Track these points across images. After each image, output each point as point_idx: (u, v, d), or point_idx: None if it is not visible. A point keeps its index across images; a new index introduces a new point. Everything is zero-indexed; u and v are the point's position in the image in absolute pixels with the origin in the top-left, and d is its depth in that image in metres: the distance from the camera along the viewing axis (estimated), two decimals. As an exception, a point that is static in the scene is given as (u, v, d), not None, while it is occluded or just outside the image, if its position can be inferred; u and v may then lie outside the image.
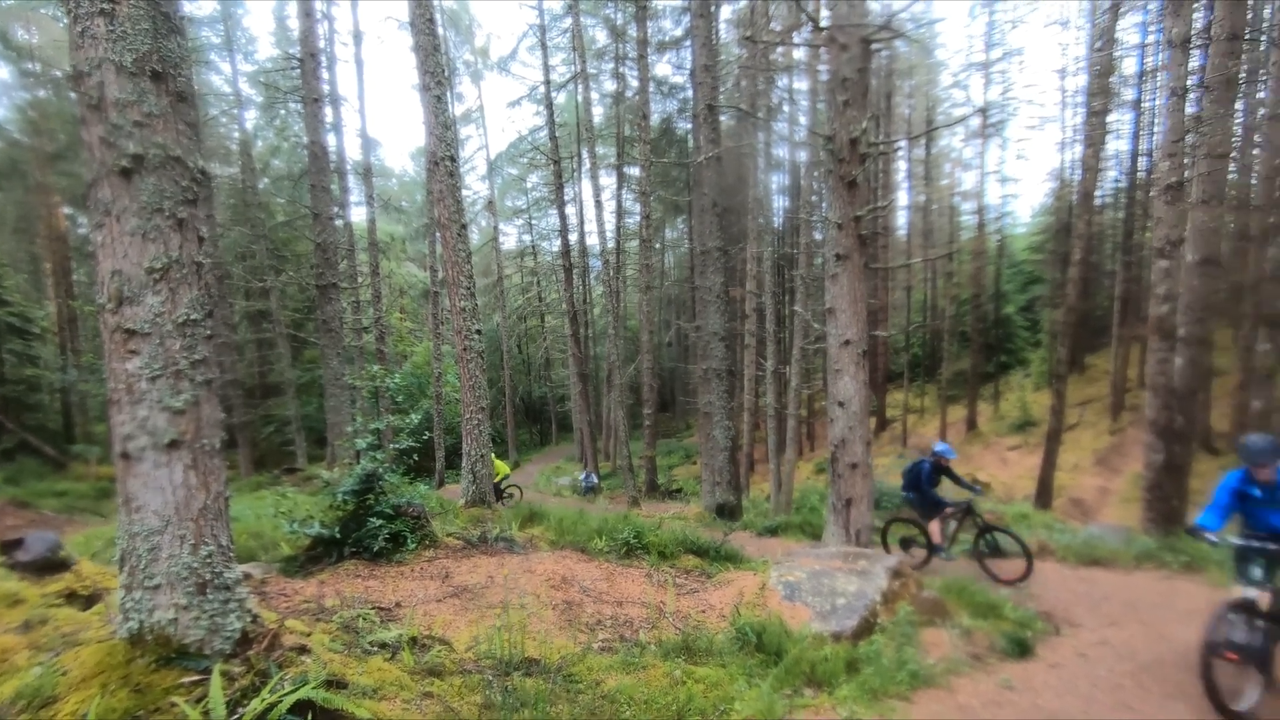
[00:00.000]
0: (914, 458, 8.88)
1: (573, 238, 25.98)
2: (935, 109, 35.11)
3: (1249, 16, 13.52)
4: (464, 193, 37.06)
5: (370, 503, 5.79)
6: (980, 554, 7.15)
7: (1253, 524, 4.22)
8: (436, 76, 8.94)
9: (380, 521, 5.61)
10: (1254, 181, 17.19)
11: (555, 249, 35.37)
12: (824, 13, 7.09)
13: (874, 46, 7.22)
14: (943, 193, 38.86)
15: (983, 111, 29.53)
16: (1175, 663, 4.48)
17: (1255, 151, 17.14)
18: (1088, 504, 18.29)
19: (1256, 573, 3.97)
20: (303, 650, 3.00)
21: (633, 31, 23.14)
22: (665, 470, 28.56)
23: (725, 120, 23.12)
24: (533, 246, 40.58)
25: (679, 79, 28.96)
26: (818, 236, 19.61)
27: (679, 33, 26.67)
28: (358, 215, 26.81)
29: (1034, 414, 25.16)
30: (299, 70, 15.62)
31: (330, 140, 18.28)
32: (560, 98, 31.58)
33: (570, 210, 27.83)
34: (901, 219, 40.50)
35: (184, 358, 2.65)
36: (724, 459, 14.01)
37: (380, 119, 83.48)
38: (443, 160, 8.82)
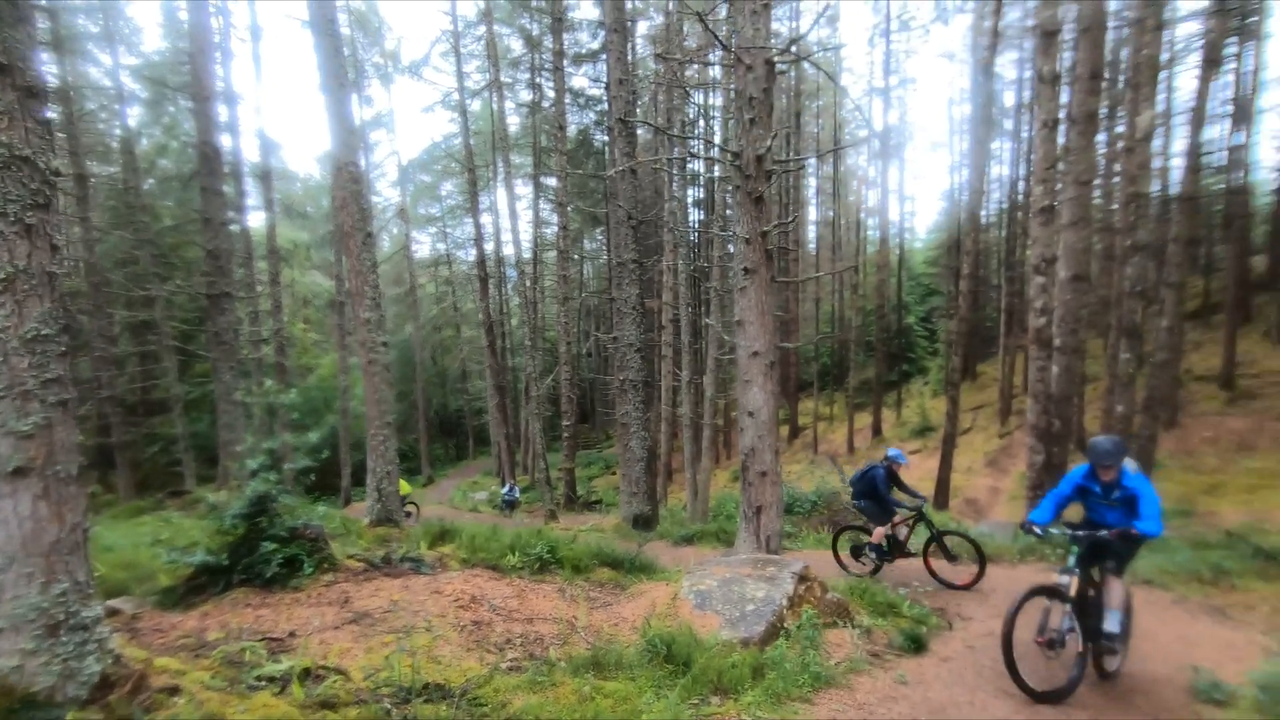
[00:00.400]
0: (860, 466, 8.75)
1: (489, 247, 25.59)
2: (842, 129, 36.89)
3: (1108, 59, 14.93)
4: (374, 199, 35.94)
5: (263, 526, 5.43)
6: (930, 558, 7.31)
7: (1091, 517, 4.57)
8: (339, 78, 8.60)
9: (273, 545, 5.27)
10: (1114, 207, 18.99)
11: (471, 258, 34.67)
12: (733, 34, 7.31)
13: (778, 68, 7.50)
14: (850, 209, 40.82)
15: (883, 134, 31.26)
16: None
17: (1115, 180, 18.94)
18: (980, 503, 19.52)
19: (1070, 560, 4.31)
20: (174, 691, 2.78)
21: (549, 43, 23.12)
22: (585, 482, 28.43)
23: (642, 134, 23.45)
24: (447, 255, 39.65)
25: (596, 91, 29.17)
26: (731, 250, 20.14)
27: (595, 46, 26.87)
28: (257, 220, 25.40)
29: (932, 419, 26.67)
30: (189, 65, 14.67)
31: (225, 140, 17.25)
32: (475, 105, 31.14)
33: (486, 219, 27.42)
34: (812, 233, 42.26)
35: (32, 377, 2.41)
36: (641, 469, 14.08)
37: (283, 119, 79.56)
38: (346, 165, 8.48)
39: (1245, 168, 23.59)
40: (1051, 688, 4.09)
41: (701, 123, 24.12)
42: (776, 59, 7.23)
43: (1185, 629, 5.66)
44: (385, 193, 39.28)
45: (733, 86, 7.90)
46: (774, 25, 24.88)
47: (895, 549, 7.50)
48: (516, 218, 25.31)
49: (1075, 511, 4.75)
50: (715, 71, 21.79)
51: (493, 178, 27.96)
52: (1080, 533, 4.37)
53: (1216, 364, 20.36)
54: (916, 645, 4.94)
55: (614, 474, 28.19)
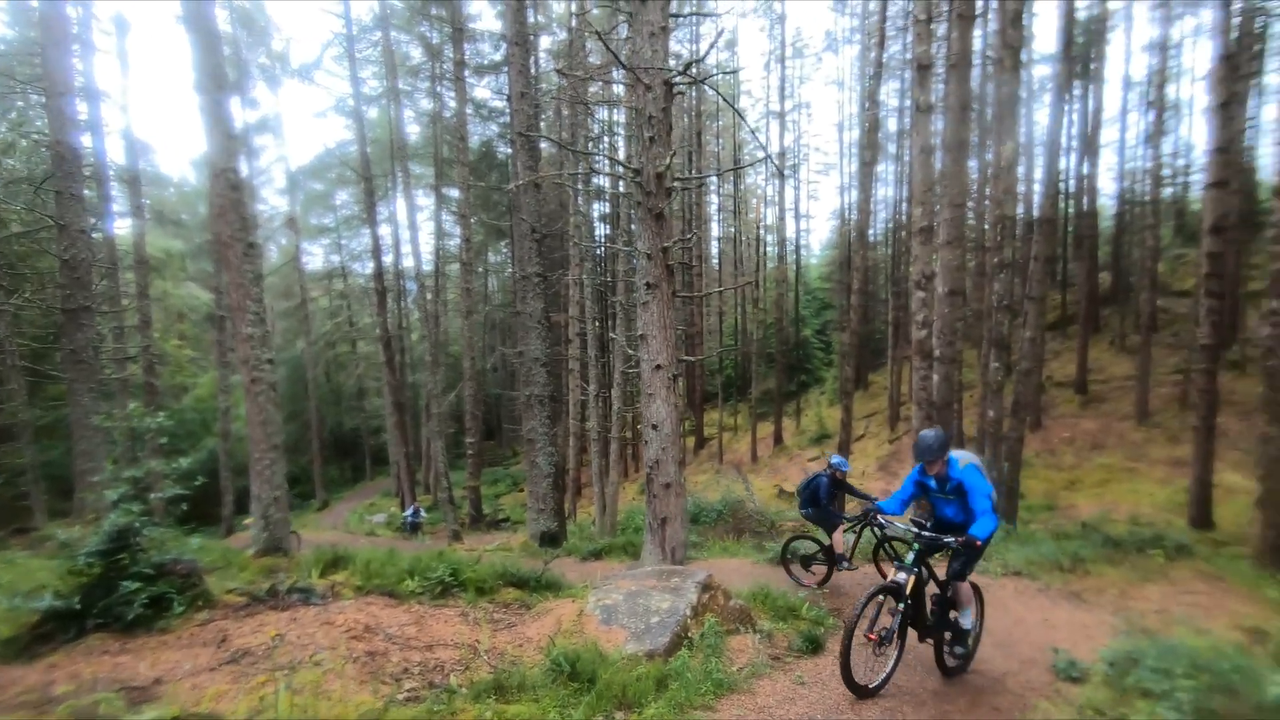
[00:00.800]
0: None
1: (387, 259, 24.67)
2: (741, 149, 38.30)
3: (975, 93, 16.31)
4: (260, 207, 33.91)
5: (124, 563, 4.92)
6: (880, 562, 7.43)
7: (935, 513, 4.73)
8: (218, 78, 8.06)
9: (136, 584, 4.78)
10: (985, 227, 20.73)
11: (368, 271, 33.22)
12: (634, 54, 7.45)
13: (677, 88, 7.70)
14: (750, 226, 42.35)
15: (779, 155, 32.70)
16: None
17: (985, 202, 20.69)
18: (873, 505, 20.57)
19: (909, 557, 4.33)
20: (10, 756, 2.46)
21: (449, 52, 22.68)
22: (491, 500, 27.76)
23: (546, 148, 23.38)
24: (342, 268, 37.81)
25: (499, 103, 28.85)
26: (636, 264, 20.39)
27: (498, 58, 26.60)
28: (124, 228, 23.26)
29: (829, 427, 27.94)
30: (40, 57, 13.30)
31: (86, 140, 15.75)
32: (372, 112, 30.05)
33: (384, 230, 26.47)
34: (715, 249, 43.48)
35: None
36: (548, 485, 13.91)
37: (156, 120, 73.65)
38: (225, 171, 7.94)
39: (1092, 194, 26.43)
40: (876, 683, 4.22)
41: (605, 139, 24.36)
42: (675, 80, 7.42)
43: (1048, 614, 6.18)
44: (273, 201, 37.07)
45: (633, 105, 8.04)
46: (674, 47, 25.58)
47: (832, 559, 7.38)
48: (417, 229, 24.54)
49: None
50: (618, 89, 22.11)
51: (391, 188, 27.00)
52: (925, 534, 4.38)
53: (1072, 371, 22.54)
54: (814, 646, 5.13)
55: (521, 491, 27.68)
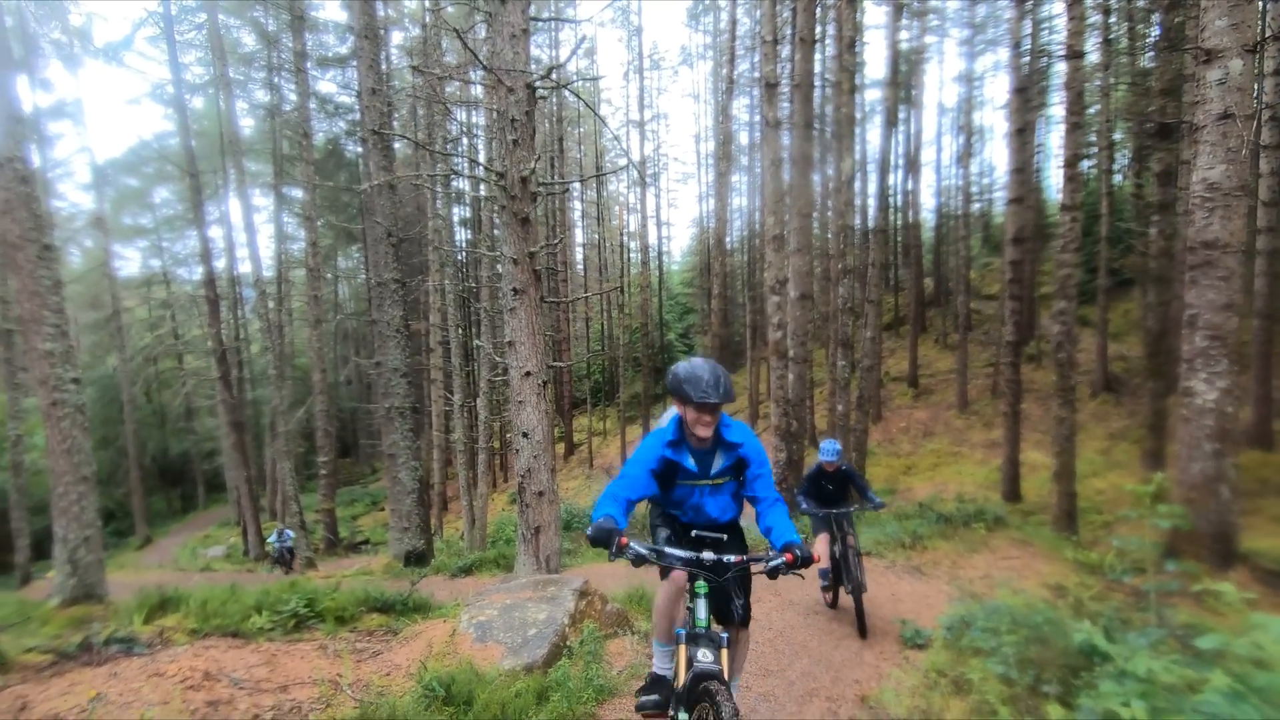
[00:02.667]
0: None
1: (219, 264, 22.36)
2: (603, 157, 38.72)
3: (817, 112, 17.58)
4: (57, 204, 29.46)
5: (-120, 631, 4.08)
6: None
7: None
8: (0, 52, 6.92)
9: (-101, 655, 3.98)
10: (829, 236, 22.42)
11: (196, 277, 29.87)
12: (493, 55, 7.28)
13: (539, 93, 7.63)
14: (613, 232, 42.91)
15: (640, 164, 33.42)
16: (798, 625, 5.45)
17: (829, 213, 22.39)
18: (738, 500, 21.55)
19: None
20: None
21: (288, 41, 21.01)
22: (348, 522, 25.98)
23: (401, 148, 22.31)
24: (164, 273, 33.72)
25: (347, 99, 27.14)
26: (501, 270, 19.99)
27: (344, 51, 25.06)
28: None
29: (694, 427, 28.82)
30: None
31: None
32: (198, 102, 27.21)
33: (216, 232, 23.98)
34: (579, 255, 43.62)
35: None
36: (412, 501, 13.25)
37: (-88, 98, 61.82)
38: (11, 161, 6.82)
39: (916, 208, 29.47)
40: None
41: (465, 140, 23.67)
42: (537, 84, 7.35)
43: (894, 588, 6.76)
44: (74, 197, 32.30)
45: (494, 107, 7.87)
46: (534, 51, 25.39)
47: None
48: (254, 231, 22.43)
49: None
50: (477, 90, 21.56)
51: (223, 185, 24.49)
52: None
53: (905, 367, 24.94)
54: (692, 641, 5.25)
55: (382, 510, 26.12)
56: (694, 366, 2.60)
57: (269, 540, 17.39)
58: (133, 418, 29.83)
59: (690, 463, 2.78)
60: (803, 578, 2.65)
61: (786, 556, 2.50)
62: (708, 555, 2.55)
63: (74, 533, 7.16)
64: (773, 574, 2.51)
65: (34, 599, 8.12)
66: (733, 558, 2.60)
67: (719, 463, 2.83)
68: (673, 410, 2.85)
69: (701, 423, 2.59)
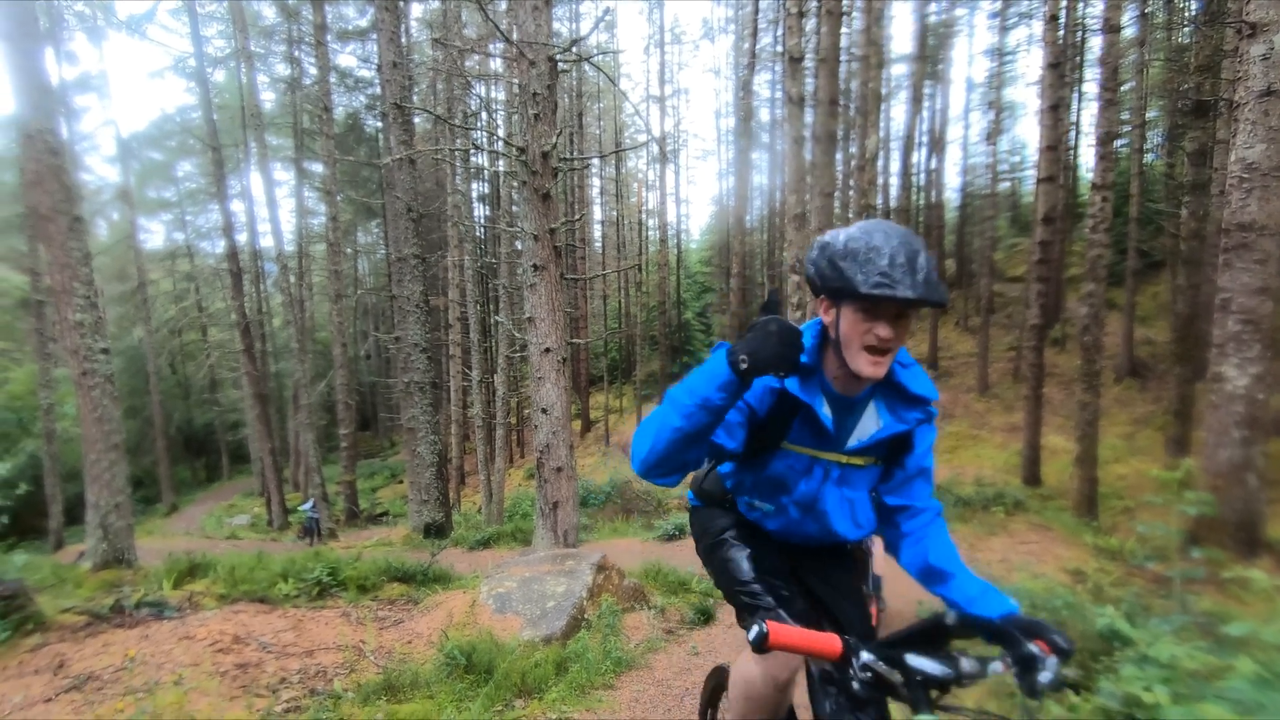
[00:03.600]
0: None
1: (241, 238, 22.52)
2: (623, 132, 38.37)
3: (842, 88, 17.26)
4: (86, 177, 29.83)
5: (-73, 589, 4.24)
6: None
7: None
8: (26, 25, 6.96)
9: (-55, 612, 4.14)
10: (850, 216, 22.11)
11: (219, 250, 30.18)
12: (514, 27, 7.22)
13: (560, 67, 7.55)
14: (631, 210, 42.63)
15: (660, 140, 33.07)
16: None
17: (851, 192, 22.07)
18: (753, 480, 21.59)
19: None
20: None
21: (308, 14, 20.92)
22: (368, 494, 26.44)
23: (421, 122, 22.25)
24: (187, 247, 34.10)
25: (366, 73, 27.11)
26: (519, 246, 19.99)
27: (364, 23, 24.91)
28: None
29: (711, 407, 28.82)
30: None
31: None
32: (219, 75, 27.27)
33: (238, 206, 24.14)
34: (597, 232, 43.45)
35: None
36: (431, 475, 13.43)
37: (-59, 71, 62.63)
38: (41, 133, 6.89)
39: (939, 187, 28.92)
40: None
41: (484, 115, 23.55)
42: (559, 57, 7.28)
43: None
44: (100, 170, 32.73)
45: (515, 81, 7.81)
46: (555, 25, 25.10)
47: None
48: (276, 205, 22.50)
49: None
50: (496, 64, 21.38)
51: (244, 159, 24.61)
52: None
53: (925, 349, 24.67)
54: (706, 617, 5.31)
55: (401, 483, 26.53)
56: (867, 232, 1.34)
57: (302, 508, 17.46)
58: (158, 389, 30.44)
59: (825, 414, 1.49)
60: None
61: (1040, 645, 1.20)
62: (970, 664, 1.24)
63: (105, 499, 7.35)
64: (1034, 692, 1.18)
65: (67, 563, 8.38)
66: (978, 664, 1.25)
67: (870, 427, 1.54)
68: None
69: (878, 340, 1.35)
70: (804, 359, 1.36)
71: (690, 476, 1.79)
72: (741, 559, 1.66)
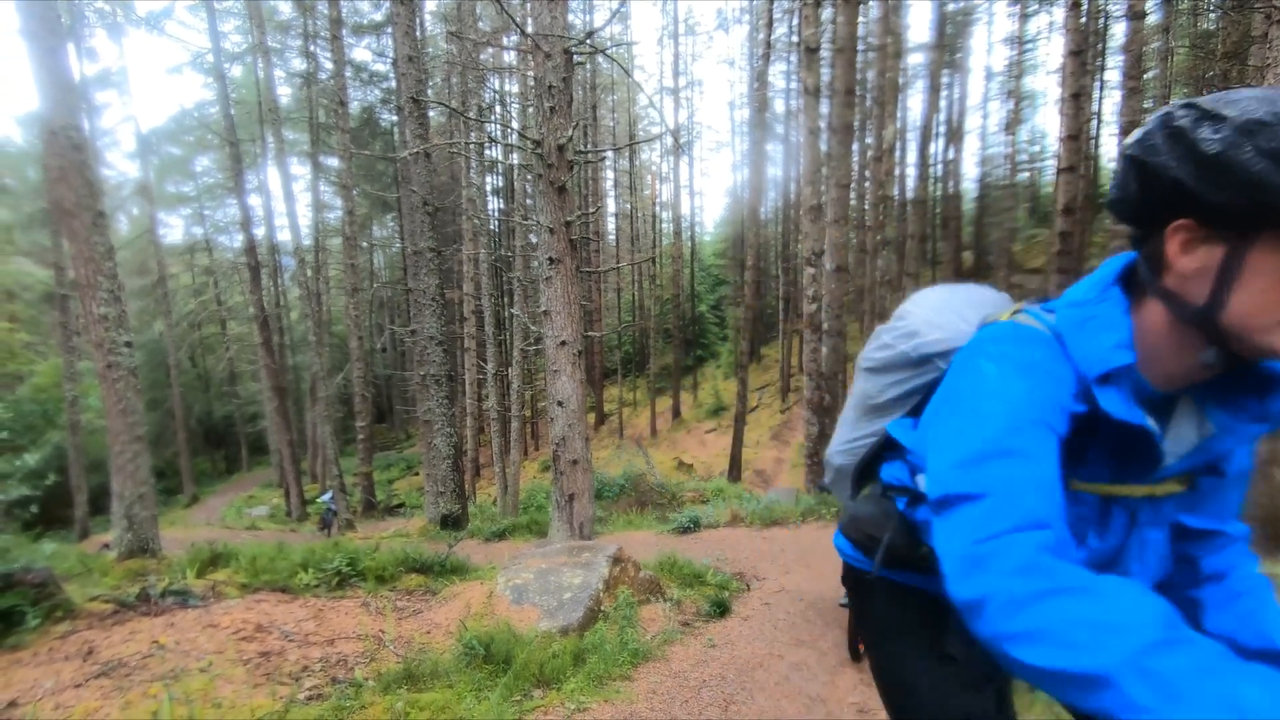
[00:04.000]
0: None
1: (259, 232, 22.74)
2: (636, 125, 38.26)
3: (859, 78, 17.08)
4: (107, 173, 30.26)
5: (-39, 577, 4.35)
6: None
7: None
8: (49, 23, 7.05)
9: (-21, 599, 4.24)
10: (867, 207, 21.92)
11: (237, 244, 30.52)
12: (529, 20, 7.21)
13: (576, 58, 7.54)
14: (645, 202, 42.55)
15: (674, 132, 32.93)
16: (831, 596, 5.47)
17: (867, 183, 21.86)
18: (767, 473, 21.57)
19: None
20: None
21: (323, 8, 21.02)
22: (385, 485, 26.70)
23: (435, 116, 22.31)
24: (206, 241, 34.53)
25: (381, 67, 27.20)
26: (534, 239, 20.01)
27: (379, 17, 24.99)
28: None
29: (725, 400, 28.84)
30: None
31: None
32: (236, 71, 27.50)
33: (255, 201, 24.37)
34: (611, 225, 43.42)
35: None
36: (447, 467, 13.53)
37: (-34, 68, 63.72)
38: (65, 129, 6.99)
39: (957, 178, 28.56)
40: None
41: (499, 108, 23.57)
42: (574, 49, 7.26)
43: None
44: (120, 166, 33.17)
45: (530, 73, 7.80)
46: (569, 17, 25.03)
47: None
48: (293, 200, 22.67)
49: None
50: (511, 57, 21.36)
51: (261, 154, 24.82)
52: None
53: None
54: (721, 610, 5.32)
55: (417, 475, 26.78)
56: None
57: (321, 499, 17.63)
58: (179, 381, 30.90)
59: (1155, 430, 0.89)
60: None
61: None
62: None
63: (130, 490, 7.49)
64: None
65: (93, 552, 8.55)
66: None
67: (1189, 434, 0.96)
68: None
69: None
70: (1125, 351, 0.87)
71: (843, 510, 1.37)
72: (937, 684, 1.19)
